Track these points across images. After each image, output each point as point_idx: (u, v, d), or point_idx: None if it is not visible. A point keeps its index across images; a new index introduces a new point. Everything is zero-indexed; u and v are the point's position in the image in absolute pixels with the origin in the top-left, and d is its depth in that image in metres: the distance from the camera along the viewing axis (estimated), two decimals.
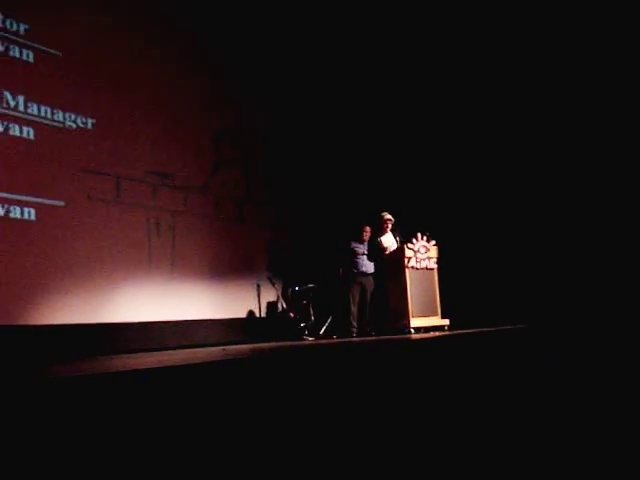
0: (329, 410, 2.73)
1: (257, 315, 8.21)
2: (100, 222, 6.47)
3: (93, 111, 6.55)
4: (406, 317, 6.73)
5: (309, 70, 9.16)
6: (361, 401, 2.89)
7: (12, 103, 5.88)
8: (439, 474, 2.12)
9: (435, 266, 7.07)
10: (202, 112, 7.85)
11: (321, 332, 8.01)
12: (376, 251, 7.50)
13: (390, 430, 2.55)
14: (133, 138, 6.92)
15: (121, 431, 2.11)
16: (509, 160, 8.28)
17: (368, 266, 7.51)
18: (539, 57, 8.01)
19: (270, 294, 8.39)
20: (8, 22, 5.95)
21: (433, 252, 7.08)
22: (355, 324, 7.37)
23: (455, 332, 6.32)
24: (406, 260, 6.85)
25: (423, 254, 6.96)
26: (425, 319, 6.85)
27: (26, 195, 5.84)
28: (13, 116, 5.86)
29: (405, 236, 7.22)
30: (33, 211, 5.89)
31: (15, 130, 5.87)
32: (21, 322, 5.64)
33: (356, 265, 7.49)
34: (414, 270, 6.89)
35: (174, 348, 6.30)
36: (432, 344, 5.10)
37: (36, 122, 6.05)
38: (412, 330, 6.70)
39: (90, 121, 6.52)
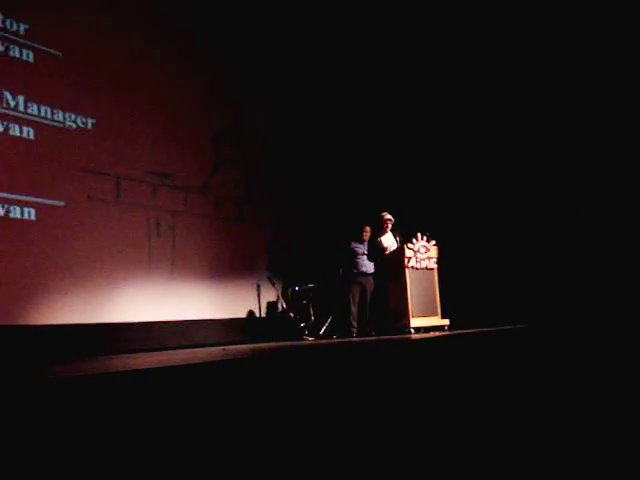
0: (329, 410, 2.73)
1: (257, 315, 8.21)
2: (100, 222, 6.47)
3: (93, 111, 6.55)
4: (406, 317, 6.73)
5: (309, 70, 9.16)
6: (361, 401, 2.89)
7: (12, 103, 5.88)
8: (439, 474, 2.12)
9: (435, 266, 7.07)
10: (202, 112, 7.85)
11: (321, 332, 8.01)
12: (376, 251, 7.50)
13: (390, 430, 2.55)
14: (133, 138, 6.92)
15: (121, 431, 2.11)
16: (509, 160, 8.28)
17: (368, 266, 7.50)
18: (538, 58, 8.00)
19: (270, 294, 8.39)
20: (8, 22, 5.95)
21: (433, 252, 7.08)
22: (355, 324, 7.37)
23: (455, 332, 6.32)
24: (406, 260, 6.85)
25: (423, 254, 6.96)
26: (425, 319, 6.85)
27: (26, 195, 5.84)
28: (13, 116, 5.86)
29: (405, 236, 7.22)
30: (33, 211, 5.89)
31: (15, 130, 5.87)
32: (21, 322, 5.64)
33: (356, 265, 7.49)
34: (414, 270, 6.89)
35: (174, 348, 6.30)
36: (432, 344, 5.10)
37: (36, 122, 6.05)
38: (412, 330, 6.70)
39: (90, 121, 6.52)
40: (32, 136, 6.00)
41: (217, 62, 8.20)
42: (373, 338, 6.54)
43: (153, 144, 7.14)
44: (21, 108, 5.94)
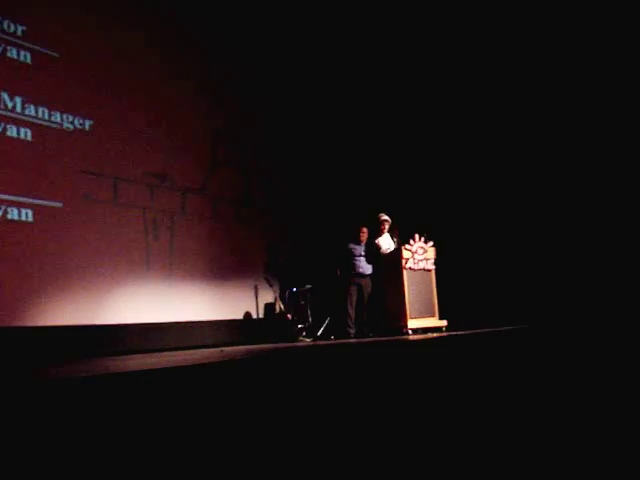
0: (327, 411, 2.74)
1: (255, 316, 8.21)
2: (98, 223, 6.46)
3: (91, 112, 6.54)
4: (404, 318, 6.74)
5: (308, 71, 9.17)
6: (358, 403, 2.90)
7: (9, 104, 5.87)
8: (438, 475, 2.13)
9: (433, 267, 7.08)
10: (200, 113, 7.85)
11: (318, 333, 8.01)
12: (373, 252, 7.51)
13: (388, 432, 2.55)
14: (131, 139, 6.92)
15: (120, 432, 2.11)
16: (507, 160, 8.29)
17: (365, 267, 7.50)
18: (538, 58, 8.02)
19: (268, 295, 8.39)
20: (5, 23, 5.94)
21: (430, 253, 7.09)
22: (352, 325, 7.37)
23: (453, 333, 6.33)
24: (403, 261, 6.86)
25: (420, 255, 6.97)
26: (423, 320, 6.86)
27: (23, 196, 5.83)
28: (10, 117, 5.86)
29: (402, 237, 7.23)
30: (30, 212, 5.88)
31: (12, 131, 5.86)
32: (19, 323, 5.63)
33: (353, 266, 7.49)
34: (411, 271, 6.90)
35: (172, 349, 6.30)
36: (430, 345, 5.10)
37: (34, 123, 6.04)
38: (410, 331, 6.70)
39: (88, 122, 6.51)
40: (30, 137, 5.99)
41: (215, 63, 8.20)
42: (370, 339, 6.54)
43: (151, 145, 7.14)
44: (18, 109, 5.93)
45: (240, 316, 8.01)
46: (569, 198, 7.73)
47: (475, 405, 2.92)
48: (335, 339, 7.51)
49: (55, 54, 6.30)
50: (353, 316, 7.40)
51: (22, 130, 5.94)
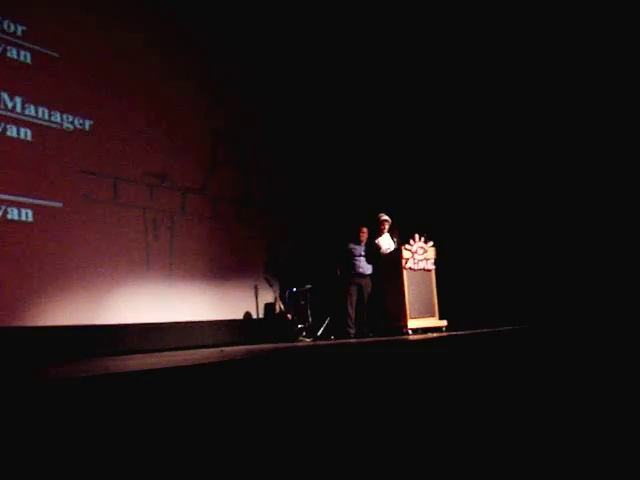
0: (327, 411, 2.74)
1: (255, 316, 8.21)
2: (98, 223, 6.46)
3: (91, 112, 6.54)
4: (404, 318, 6.74)
5: (307, 71, 9.17)
6: (358, 402, 2.90)
7: (9, 104, 5.87)
8: (437, 475, 2.13)
9: (433, 267, 7.08)
10: (200, 113, 7.86)
11: (318, 333, 8.01)
12: (373, 252, 7.51)
13: (388, 432, 2.55)
14: (131, 139, 6.92)
15: (120, 432, 2.11)
16: (507, 160, 8.29)
17: (365, 267, 7.50)
18: (536, 59, 8.02)
19: (268, 295, 8.39)
20: (5, 23, 5.94)
21: (430, 253, 7.09)
22: (352, 325, 7.37)
23: (453, 333, 6.33)
24: (403, 261, 6.86)
25: (420, 255, 6.97)
26: (422, 320, 6.86)
27: (23, 196, 5.84)
28: (10, 117, 5.86)
29: (402, 237, 7.23)
30: (30, 212, 5.88)
31: (12, 131, 5.86)
32: (19, 323, 5.63)
33: (353, 266, 7.49)
34: (411, 271, 6.90)
35: (172, 349, 6.30)
36: (430, 345, 5.10)
37: (34, 123, 6.04)
38: (410, 331, 6.70)
39: (88, 122, 6.51)
40: (30, 137, 5.99)
41: (215, 63, 8.20)
42: (370, 339, 6.54)
43: (151, 145, 7.14)
44: (18, 109, 5.93)
45: (240, 316, 8.01)
46: (568, 198, 7.73)
47: (475, 405, 2.92)
48: (335, 339, 7.51)
49: (55, 54, 6.30)
50: (353, 316, 7.40)
51: (22, 130, 5.94)
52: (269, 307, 8.42)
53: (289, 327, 7.90)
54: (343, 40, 9.06)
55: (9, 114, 5.84)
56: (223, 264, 7.87)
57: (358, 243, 7.54)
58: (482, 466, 2.15)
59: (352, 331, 7.33)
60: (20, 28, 6.05)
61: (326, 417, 2.68)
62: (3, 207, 5.68)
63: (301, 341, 7.61)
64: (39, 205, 5.95)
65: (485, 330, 5.89)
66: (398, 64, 9.15)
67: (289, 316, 8.02)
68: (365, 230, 7.59)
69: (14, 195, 5.76)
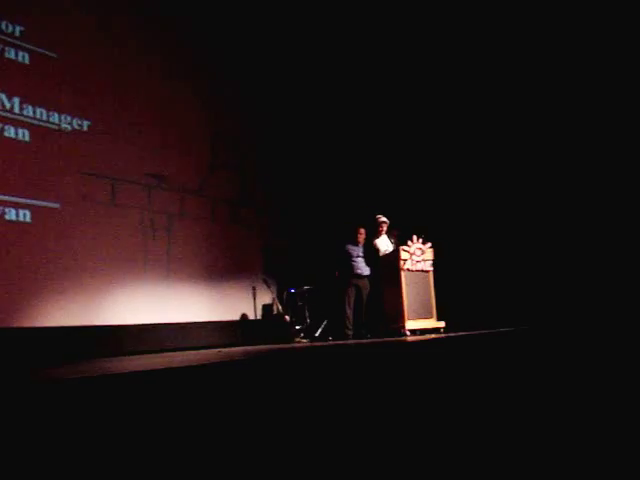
0: (324, 412, 2.74)
1: (252, 317, 8.20)
2: (95, 224, 6.45)
3: (89, 113, 6.54)
4: (402, 319, 6.73)
5: (305, 73, 9.17)
6: (356, 403, 2.89)
7: (7, 105, 5.86)
8: (435, 475, 2.13)
9: (431, 268, 7.08)
10: (197, 114, 7.85)
11: (316, 335, 8.01)
12: (371, 254, 7.50)
13: (386, 433, 2.55)
14: (129, 140, 6.91)
15: (118, 433, 2.10)
16: (506, 161, 8.29)
17: (364, 268, 7.49)
18: (535, 59, 8.03)
19: (265, 296, 8.39)
20: (3, 24, 5.94)
21: (429, 254, 7.09)
22: (350, 327, 7.35)
23: (451, 334, 6.33)
24: (402, 262, 6.86)
25: (419, 256, 6.97)
26: (421, 321, 6.86)
27: (21, 197, 5.83)
28: (8, 118, 5.85)
29: (401, 238, 7.23)
30: (28, 213, 5.87)
31: (10, 132, 5.85)
32: (17, 324, 5.62)
33: (352, 268, 7.47)
34: (410, 272, 6.90)
35: (170, 350, 6.30)
36: (427, 346, 5.10)
37: (32, 124, 6.03)
38: (408, 332, 6.70)
39: (86, 123, 6.51)
40: (27, 138, 5.98)
41: (213, 64, 8.20)
42: (368, 341, 6.54)
43: (149, 146, 7.14)
44: (16, 110, 5.93)
45: (238, 317, 8.01)
46: (567, 199, 7.73)
47: (473, 406, 2.93)
48: (333, 340, 7.50)
49: (53, 55, 6.29)
50: (351, 317, 7.38)
51: (20, 131, 5.93)
52: (267, 308, 8.41)
53: (287, 328, 7.90)
54: (342, 42, 9.06)
55: (7, 115, 5.84)
56: (221, 265, 7.86)
57: (356, 244, 7.54)
58: (481, 466, 2.15)
59: (350, 332, 7.31)
60: (18, 28, 6.04)
61: (324, 418, 2.68)
62: (1, 208, 5.67)
63: (299, 342, 7.61)
64: (37, 206, 5.94)
65: (483, 331, 5.89)
66: (396, 67, 9.15)
67: (287, 317, 8.02)
68: (363, 231, 7.57)
69: (12, 196, 5.75)
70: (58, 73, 6.30)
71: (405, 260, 6.88)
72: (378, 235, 7.57)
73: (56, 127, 6.25)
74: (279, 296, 8.40)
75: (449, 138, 8.94)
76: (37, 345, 5.51)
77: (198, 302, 7.47)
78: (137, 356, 5.42)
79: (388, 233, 7.59)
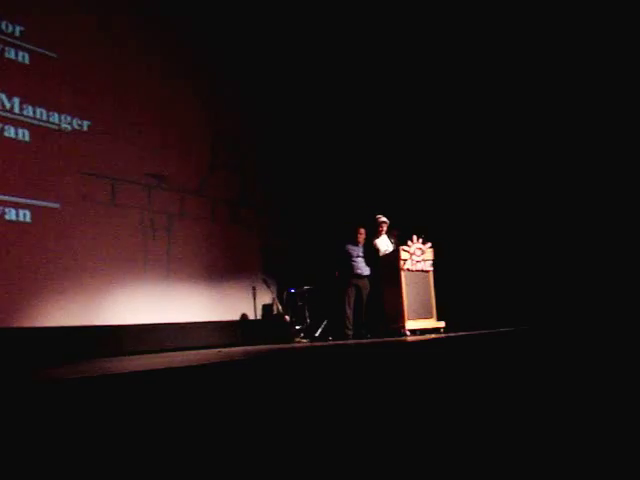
0: (324, 412, 2.74)
1: (252, 317, 8.20)
2: (95, 224, 6.46)
3: (89, 113, 6.54)
4: (402, 319, 6.73)
5: (305, 73, 9.17)
6: (357, 404, 2.89)
7: (7, 105, 5.86)
8: (435, 475, 2.13)
9: (431, 268, 7.08)
10: (198, 114, 7.86)
11: (316, 335, 8.01)
12: (371, 254, 7.50)
13: (386, 433, 2.55)
14: (129, 140, 6.91)
15: (118, 433, 2.10)
16: (506, 161, 8.29)
17: (364, 268, 7.49)
18: (535, 60, 8.03)
19: (265, 296, 8.39)
20: (3, 24, 5.94)
21: (429, 254, 7.09)
22: (350, 327, 7.35)
23: (451, 334, 6.33)
24: (402, 262, 6.86)
25: (419, 256, 6.97)
26: (421, 321, 6.85)
27: (21, 197, 5.83)
28: (8, 118, 5.85)
29: (401, 238, 7.23)
30: (28, 213, 5.87)
31: (10, 132, 5.85)
32: (17, 324, 5.62)
33: (352, 268, 7.47)
34: (410, 272, 6.90)
35: (169, 350, 6.30)
36: (427, 346, 5.10)
37: (32, 124, 6.03)
38: (408, 332, 6.70)
39: (86, 123, 6.51)
40: (27, 138, 5.98)
41: (213, 64, 8.20)
42: (368, 341, 6.54)
43: (149, 146, 7.14)
44: (16, 110, 5.93)
45: (238, 317, 8.01)
46: (567, 199, 7.73)
47: (473, 406, 2.92)
48: (333, 340, 7.50)
49: (53, 55, 6.29)
50: (351, 317, 7.38)
51: (20, 131, 5.93)
52: (267, 308, 8.41)
53: (287, 328, 7.90)
54: (341, 42, 9.06)
55: (7, 115, 5.84)
56: (221, 265, 7.87)
57: (356, 244, 7.53)
58: (480, 466, 2.15)
59: (350, 332, 7.31)
60: (18, 28, 6.04)
61: (324, 418, 2.68)
62: (1, 208, 5.67)
63: (299, 342, 7.61)
64: (37, 206, 5.94)
65: (483, 331, 5.89)
66: (395, 68, 9.16)
67: (287, 317, 8.02)
68: (363, 231, 7.57)
69: (12, 196, 5.75)
70: (58, 73, 6.30)
71: (405, 260, 6.88)
72: (378, 235, 7.57)
73: (56, 127, 6.25)
74: (279, 296, 8.40)
75: (449, 138, 8.94)
76: (37, 345, 5.51)
77: (198, 302, 7.47)
78: (137, 356, 5.42)
79: (388, 233, 7.59)
